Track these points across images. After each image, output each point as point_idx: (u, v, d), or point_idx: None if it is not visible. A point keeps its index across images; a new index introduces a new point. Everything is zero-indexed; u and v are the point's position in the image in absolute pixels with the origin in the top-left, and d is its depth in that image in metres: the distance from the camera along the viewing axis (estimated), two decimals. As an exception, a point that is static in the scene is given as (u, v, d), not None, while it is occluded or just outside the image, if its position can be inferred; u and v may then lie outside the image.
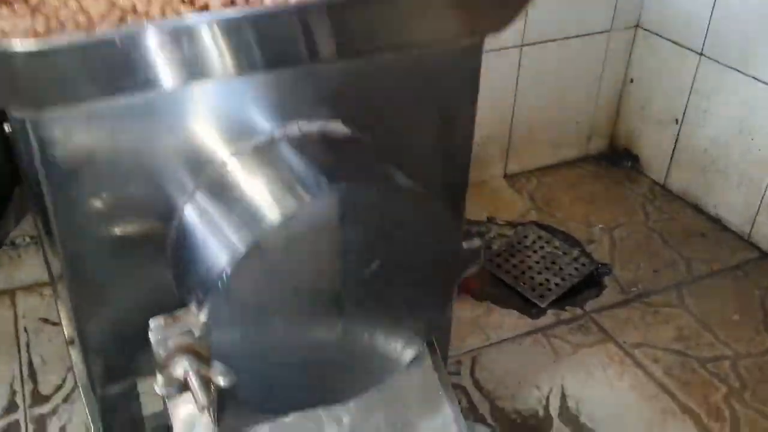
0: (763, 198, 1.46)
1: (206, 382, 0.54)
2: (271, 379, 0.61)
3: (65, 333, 1.08)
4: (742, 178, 1.49)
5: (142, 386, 0.73)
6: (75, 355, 1.07)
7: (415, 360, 0.71)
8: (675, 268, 1.44)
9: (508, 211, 1.59)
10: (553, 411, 1.13)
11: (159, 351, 0.57)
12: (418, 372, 0.71)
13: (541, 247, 1.49)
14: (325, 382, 0.64)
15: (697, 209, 1.60)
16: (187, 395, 0.62)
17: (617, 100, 1.72)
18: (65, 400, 1.12)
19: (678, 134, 1.61)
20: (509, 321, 1.30)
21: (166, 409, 0.64)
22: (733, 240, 1.52)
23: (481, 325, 1.29)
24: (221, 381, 0.54)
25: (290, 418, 0.64)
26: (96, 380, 0.69)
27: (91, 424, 1.04)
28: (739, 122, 1.47)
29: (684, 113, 1.58)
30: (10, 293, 1.30)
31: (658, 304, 1.35)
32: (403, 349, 0.67)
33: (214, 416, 0.58)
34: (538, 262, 1.44)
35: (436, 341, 0.77)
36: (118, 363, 0.69)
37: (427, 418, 0.71)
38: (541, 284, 1.39)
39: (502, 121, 1.62)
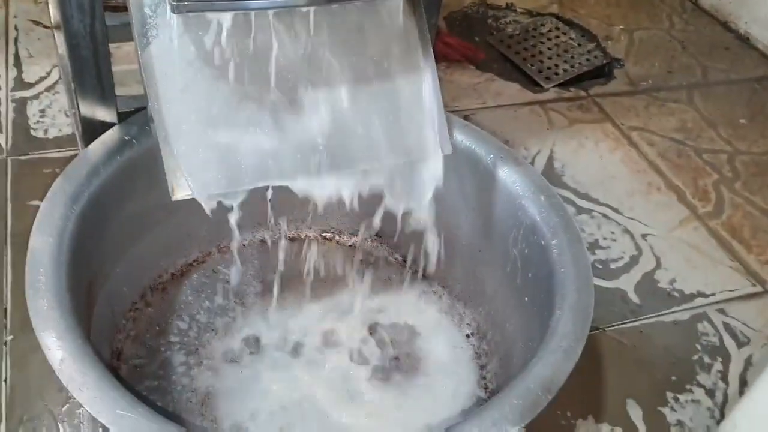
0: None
1: None
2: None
3: (51, 16, 1.05)
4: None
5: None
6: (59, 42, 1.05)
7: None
8: (690, 72, 1.37)
9: (529, 2, 1.51)
10: (538, 169, 1.10)
11: None
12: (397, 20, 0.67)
13: (557, 37, 1.42)
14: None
15: (726, 26, 1.52)
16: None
17: None
18: (48, 89, 1.11)
19: (721, -57, 1.50)
20: (509, 91, 1.26)
21: None
22: (758, 57, 1.45)
23: (479, 90, 1.25)
24: None
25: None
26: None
27: (69, 108, 1.03)
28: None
29: None
30: (4, -5, 1.27)
31: (665, 99, 1.29)
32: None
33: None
34: (550, 49, 1.38)
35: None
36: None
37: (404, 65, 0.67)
38: (549, 68, 1.33)
39: None
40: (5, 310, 0.80)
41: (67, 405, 0.73)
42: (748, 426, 0.58)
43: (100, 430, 0.69)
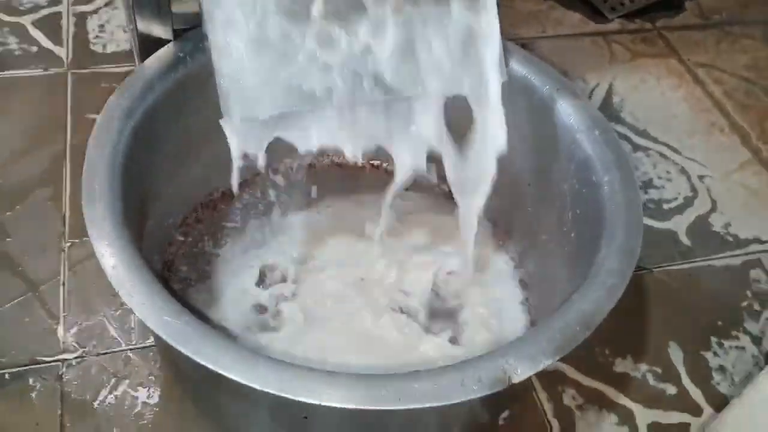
0: None
1: None
2: None
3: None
4: None
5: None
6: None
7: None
8: (768, 6, 1.30)
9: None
10: (594, 103, 1.07)
11: None
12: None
13: (626, -35, 1.35)
14: None
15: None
16: None
17: None
18: (107, 4, 1.12)
19: None
20: (571, 20, 1.22)
21: None
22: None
23: (539, 18, 1.21)
24: None
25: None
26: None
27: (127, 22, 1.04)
28: None
29: None
30: None
31: (738, 34, 1.23)
32: None
33: None
34: (618, -22, 1.32)
35: None
36: None
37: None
38: (615, -3, 1.28)
39: None
40: (64, 217, 0.83)
41: (120, 311, 0.76)
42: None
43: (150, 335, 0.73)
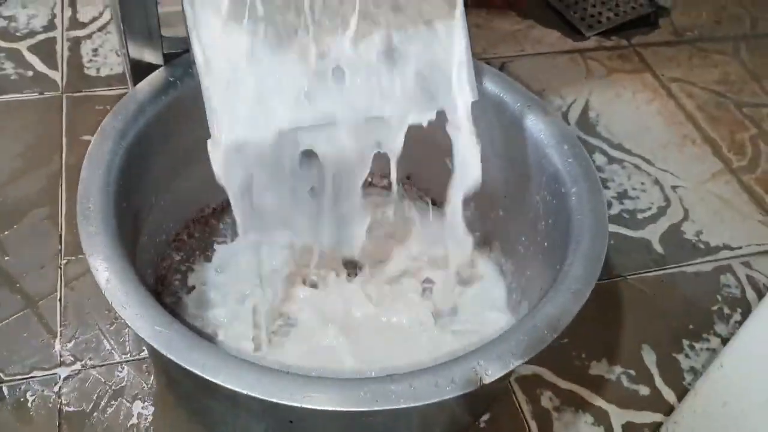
0: None
1: None
2: None
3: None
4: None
5: None
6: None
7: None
8: (739, 23, 1.35)
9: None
10: (572, 119, 1.11)
11: None
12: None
13: (602, -16, 1.40)
14: None
15: (782, -24, 1.48)
16: None
17: None
18: (101, 29, 1.16)
19: None
20: (549, 39, 1.26)
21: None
22: (812, 9, 1.41)
23: (518, 38, 1.25)
24: None
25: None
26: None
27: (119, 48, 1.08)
28: None
29: None
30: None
31: (709, 50, 1.28)
32: None
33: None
34: (594, -3, 1.37)
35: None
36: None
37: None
38: (592, 16, 1.32)
39: None
40: (60, 235, 0.86)
41: (115, 324, 0.80)
42: (731, 365, 0.61)
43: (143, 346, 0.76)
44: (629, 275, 0.92)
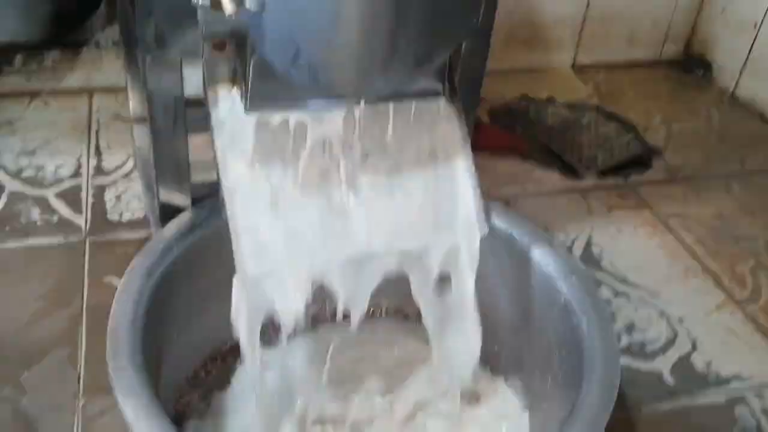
0: (833, 105, 1.42)
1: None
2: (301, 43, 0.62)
3: (131, 110, 1.17)
4: (816, 85, 1.45)
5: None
6: (137, 135, 1.17)
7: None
8: (728, 161, 1.42)
9: (570, 95, 1.59)
10: (575, 254, 1.15)
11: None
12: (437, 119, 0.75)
13: (596, 128, 1.49)
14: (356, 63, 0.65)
15: (764, 119, 1.57)
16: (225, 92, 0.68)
17: (699, 2, 1.69)
18: (124, 177, 1.22)
19: (754, 40, 1.57)
20: (550, 180, 1.32)
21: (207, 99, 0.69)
22: (796, 148, 1.49)
23: (520, 179, 1.32)
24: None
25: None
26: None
27: (142, 196, 1.14)
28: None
29: (764, 16, 1.54)
30: (89, 92, 1.41)
31: (702, 188, 1.34)
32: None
33: (246, 86, 0.64)
34: (590, 140, 1.45)
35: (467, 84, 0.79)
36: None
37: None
38: (589, 158, 1.40)
39: (578, 5, 1.62)
40: (79, 376, 0.88)
41: (132, 465, 0.79)
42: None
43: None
44: (642, 407, 0.92)
